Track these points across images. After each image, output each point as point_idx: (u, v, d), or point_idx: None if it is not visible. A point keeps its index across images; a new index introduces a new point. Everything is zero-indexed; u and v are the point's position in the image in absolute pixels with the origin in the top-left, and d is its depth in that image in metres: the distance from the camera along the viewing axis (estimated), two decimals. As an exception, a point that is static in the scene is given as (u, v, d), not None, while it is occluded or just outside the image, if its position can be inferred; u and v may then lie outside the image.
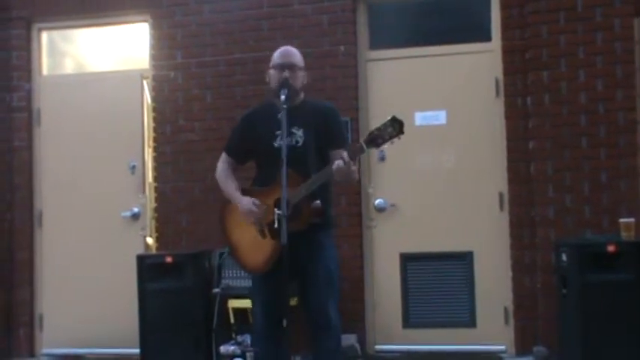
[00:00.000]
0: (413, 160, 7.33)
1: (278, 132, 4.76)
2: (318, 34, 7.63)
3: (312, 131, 4.84)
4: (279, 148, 4.68)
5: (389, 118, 4.46)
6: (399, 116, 4.48)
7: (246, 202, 4.83)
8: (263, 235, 4.80)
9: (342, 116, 7.25)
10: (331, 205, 4.99)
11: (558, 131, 7.04)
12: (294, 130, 4.79)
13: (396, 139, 4.47)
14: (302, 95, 4.97)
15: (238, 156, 5.11)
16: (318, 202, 4.74)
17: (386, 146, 4.49)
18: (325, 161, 4.81)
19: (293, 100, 4.80)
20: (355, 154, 4.55)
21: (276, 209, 4.53)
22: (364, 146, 4.51)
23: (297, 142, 4.81)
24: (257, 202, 4.79)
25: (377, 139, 4.46)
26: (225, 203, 5.08)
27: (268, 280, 4.84)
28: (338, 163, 4.48)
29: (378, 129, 4.46)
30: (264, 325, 4.97)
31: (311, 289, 4.79)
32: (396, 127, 4.44)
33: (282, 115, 4.59)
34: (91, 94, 8.16)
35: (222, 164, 5.13)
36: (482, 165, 7.40)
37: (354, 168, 4.55)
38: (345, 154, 4.50)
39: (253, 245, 4.85)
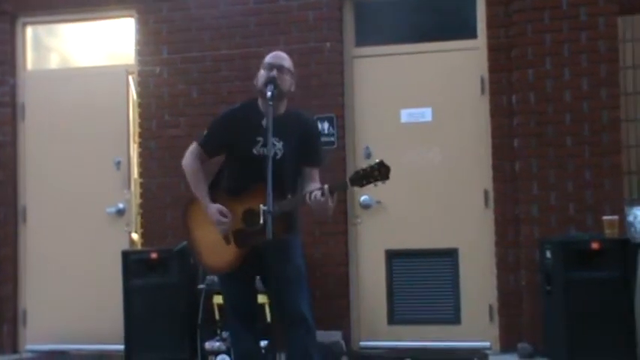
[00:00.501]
0: (398, 157, 7.31)
1: (259, 138, 4.75)
2: (304, 30, 7.63)
3: (292, 145, 4.82)
4: (257, 156, 4.70)
5: (377, 161, 4.44)
6: (387, 161, 4.45)
7: (214, 210, 4.81)
8: (227, 242, 4.82)
9: (328, 113, 7.36)
10: (298, 208, 4.93)
11: (543, 129, 7.07)
12: (274, 141, 4.71)
13: (380, 183, 4.45)
14: (285, 103, 4.91)
15: (212, 152, 5.03)
16: (288, 219, 4.76)
17: (369, 187, 4.49)
18: (300, 176, 4.88)
19: (278, 103, 4.75)
20: (337, 189, 4.56)
21: (261, 205, 4.52)
22: (348, 184, 4.51)
23: (275, 154, 4.74)
24: (225, 210, 4.79)
25: (362, 179, 4.45)
26: (191, 201, 5.08)
27: (235, 281, 4.92)
28: (316, 194, 4.48)
29: (365, 170, 4.44)
30: (236, 324, 5.04)
31: (281, 287, 4.76)
32: (382, 171, 4.42)
33: (267, 120, 4.56)
34: (76, 89, 8.13)
35: (192, 158, 5.01)
36: (468, 162, 7.43)
37: (331, 204, 4.53)
38: (325, 186, 4.51)
39: (216, 247, 4.86)
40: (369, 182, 4.45)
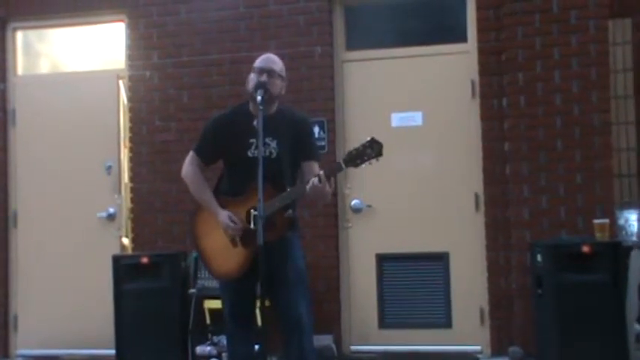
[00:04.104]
0: (389, 161, 7.23)
1: (252, 140, 4.75)
2: (294, 34, 7.63)
3: (286, 143, 4.83)
4: (252, 158, 4.68)
5: (368, 139, 4.45)
6: (378, 138, 4.47)
7: (224, 217, 4.81)
8: (234, 244, 4.81)
9: (319, 117, 7.37)
10: (297, 205, 4.96)
11: (534, 132, 7.07)
12: (268, 141, 4.75)
13: (374, 161, 4.46)
14: (276, 104, 4.91)
15: (208, 158, 5.05)
16: (291, 212, 4.79)
17: (364, 166, 4.49)
18: (298, 172, 4.88)
19: (268, 106, 4.75)
20: (332, 173, 4.55)
21: (252, 210, 4.55)
22: (342, 165, 4.51)
23: (270, 153, 4.77)
24: (234, 218, 4.79)
25: (355, 159, 4.46)
26: (196, 210, 5.07)
27: (235, 284, 4.90)
28: (313, 181, 4.49)
29: (357, 149, 4.46)
30: (233, 327, 5.02)
31: (281, 288, 4.79)
32: (375, 148, 4.44)
33: (257, 123, 4.56)
34: (67, 94, 8.13)
35: (191, 167, 5.05)
36: (458, 166, 7.43)
37: (329, 189, 4.54)
38: (321, 172, 4.51)
39: (224, 253, 4.85)
40: (362, 161, 4.46)
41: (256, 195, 4.42)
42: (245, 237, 4.76)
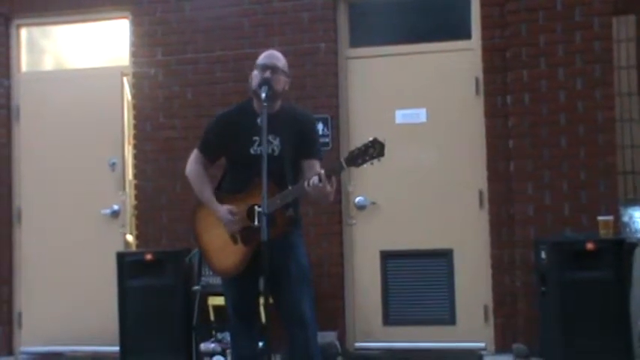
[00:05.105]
0: (393, 158, 7.23)
1: (255, 138, 4.75)
2: (298, 31, 7.63)
3: (289, 140, 4.82)
4: (255, 155, 4.68)
5: (370, 139, 4.43)
6: (380, 138, 4.46)
7: (223, 211, 4.82)
8: (235, 241, 4.81)
9: (322, 114, 7.35)
10: (300, 204, 4.97)
11: (538, 130, 7.07)
12: (270, 139, 4.72)
13: (375, 161, 4.46)
14: (279, 102, 4.90)
15: (212, 156, 5.05)
16: (291, 210, 4.78)
17: (365, 166, 4.48)
18: (299, 170, 4.87)
19: (272, 103, 4.74)
20: (333, 172, 4.54)
21: (256, 207, 4.53)
22: (344, 164, 4.49)
23: (273, 150, 4.76)
24: (233, 211, 4.80)
25: (357, 158, 4.44)
26: (197, 206, 5.07)
27: (237, 281, 4.89)
28: (313, 180, 4.48)
29: (359, 149, 4.44)
30: (237, 323, 5.02)
31: (284, 286, 4.78)
32: (377, 148, 4.42)
33: (261, 121, 4.56)
34: (71, 90, 8.13)
35: (195, 165, 5.05)
36: (462, 163, 7.42)
37: (330, 189, 4.51)
38: (322, 171, 4.51)
39: (224, 249, 4.86)
40: (364, 161, 4.44)
41: (257, 192, 4.43)
42: (245, 234, 4.76)
